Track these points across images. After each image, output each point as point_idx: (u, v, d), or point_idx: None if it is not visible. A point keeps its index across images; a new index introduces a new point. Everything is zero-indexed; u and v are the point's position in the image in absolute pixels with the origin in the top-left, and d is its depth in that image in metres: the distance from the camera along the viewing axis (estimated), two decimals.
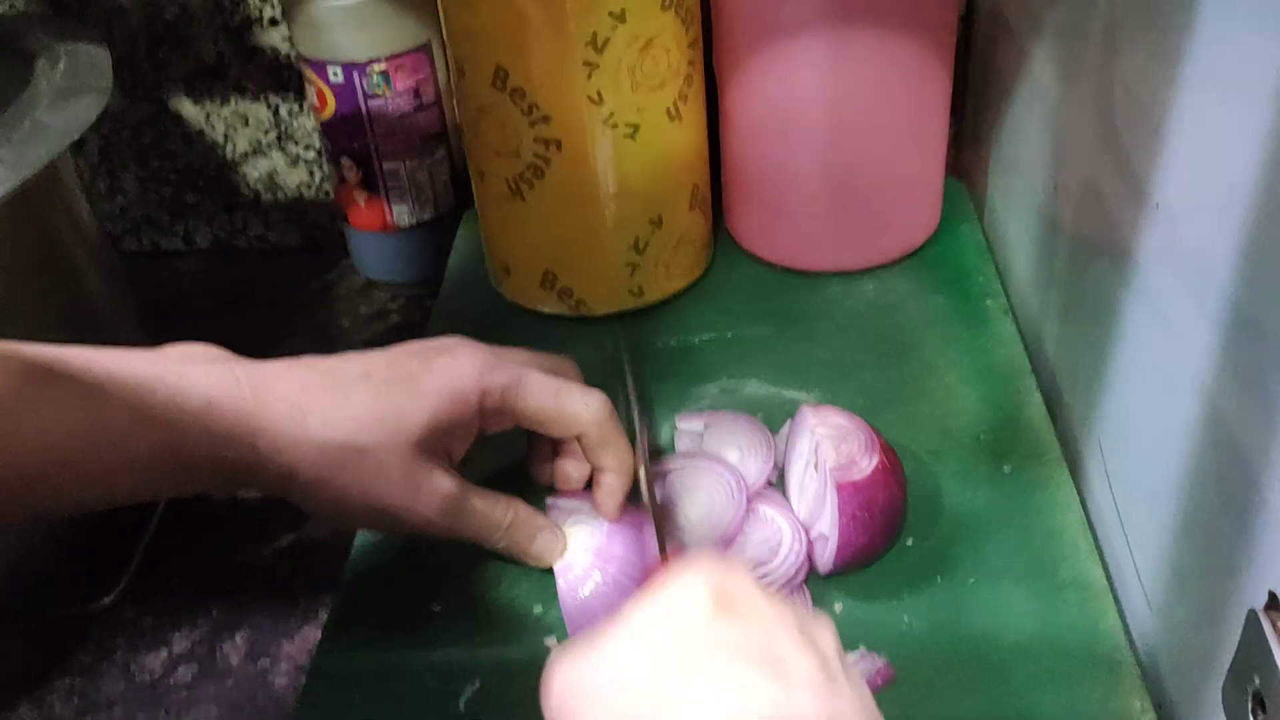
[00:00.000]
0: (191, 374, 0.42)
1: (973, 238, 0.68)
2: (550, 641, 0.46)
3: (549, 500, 0.50)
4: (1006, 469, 0.52)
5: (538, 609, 0.48)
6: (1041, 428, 0.54)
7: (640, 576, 0.47)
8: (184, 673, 0.55)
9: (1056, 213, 0.57)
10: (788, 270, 0.67)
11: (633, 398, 0.52)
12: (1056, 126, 0.58)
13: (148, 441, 0.40)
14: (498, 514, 0.47)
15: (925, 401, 0.56)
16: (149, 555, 0.59)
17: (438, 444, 0.45)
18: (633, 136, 0.58)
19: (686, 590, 0.31)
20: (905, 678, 0.43)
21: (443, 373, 0.45)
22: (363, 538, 0.53)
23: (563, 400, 0.47)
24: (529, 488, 0.51)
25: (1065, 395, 0.56)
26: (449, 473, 0.45)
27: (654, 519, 0.45)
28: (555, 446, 0.51)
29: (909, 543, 0.49)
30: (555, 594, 0.48)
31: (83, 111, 0.50)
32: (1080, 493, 0.51)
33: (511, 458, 0.53)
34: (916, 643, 0.45)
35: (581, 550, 0.47)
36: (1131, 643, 0.44)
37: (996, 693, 0.42)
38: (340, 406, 0.43)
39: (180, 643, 0.56)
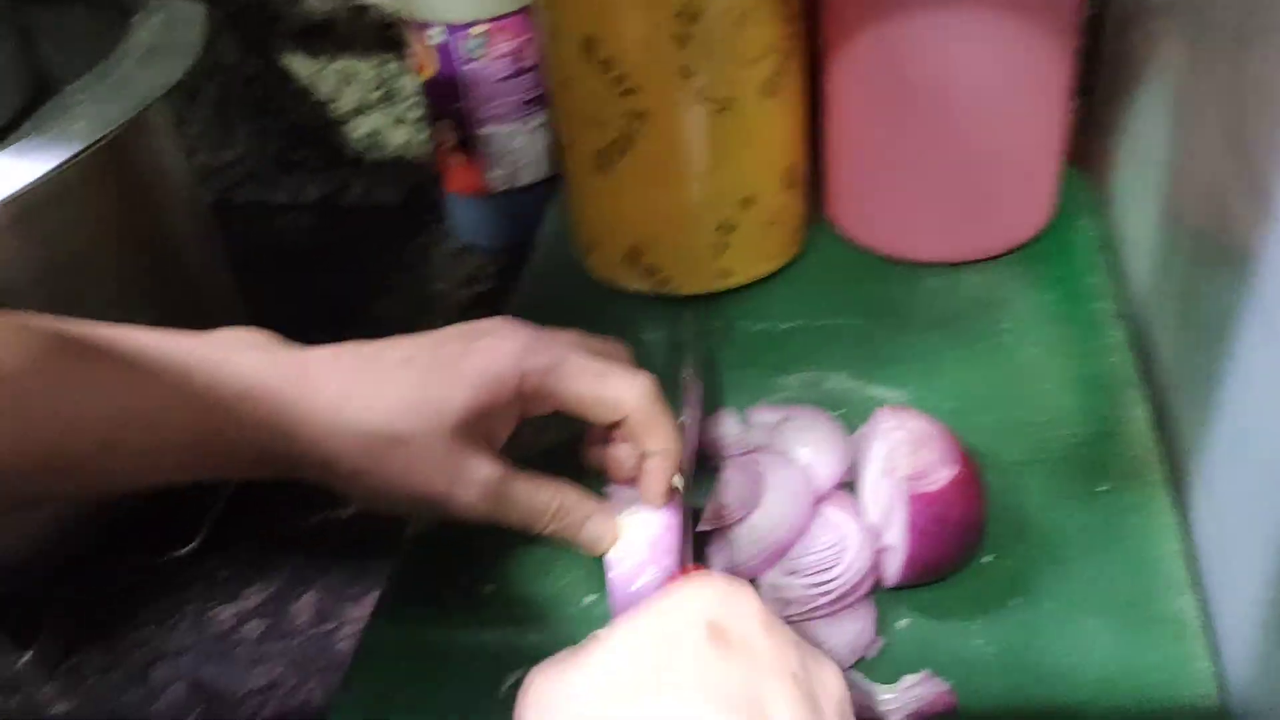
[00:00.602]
0: (234, 359, 0.42)
1: (1089, 234, 0.64)
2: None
3: (608, 489, 0.49)
4: (1102, 488, 0.48)
5: (589, 599, 0.47)
6: (1145, 445, 0.50)
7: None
8: (253, 628, 0.55)
9: (1179, 214, 0.53)
10: (885, 259, 0.63)
11: (689, 394, 0.50)
12: (1183, 122, 0.53)
13: (187, 425, 0.40)
14: (543, 499, 0.46)
15: (1020, 408, 0.53)
16: (229, 509, 0.60)
17: (478, 428, 0.44)
18: (725, 111, 0.56)
19: (682, 616, 0.29)
20: (968, 707, 0.41)
21: (482, 355, 0.44)
22: None
23: (604, 384, 0.46)
24: (586, 474, 0.49)
25: (1175, 412, 0.52)
26: (490, 458, 0.44)
27: (684, 524, 0.43)
28: (606, 431, 0.49)
29: (987, 560, 0.46)
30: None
31: (170, 69, 0.51)
32: (1181, 520, 0.47)
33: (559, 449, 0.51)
34: (984, 669, 0.42)
35: (637, 542, 0.46)
36: (1224, 690, 0.41)
37: None
38: (379, 393, 0.42)
39: (251, 598, 0.57)
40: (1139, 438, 0.50)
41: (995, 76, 0.57)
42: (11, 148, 0.47)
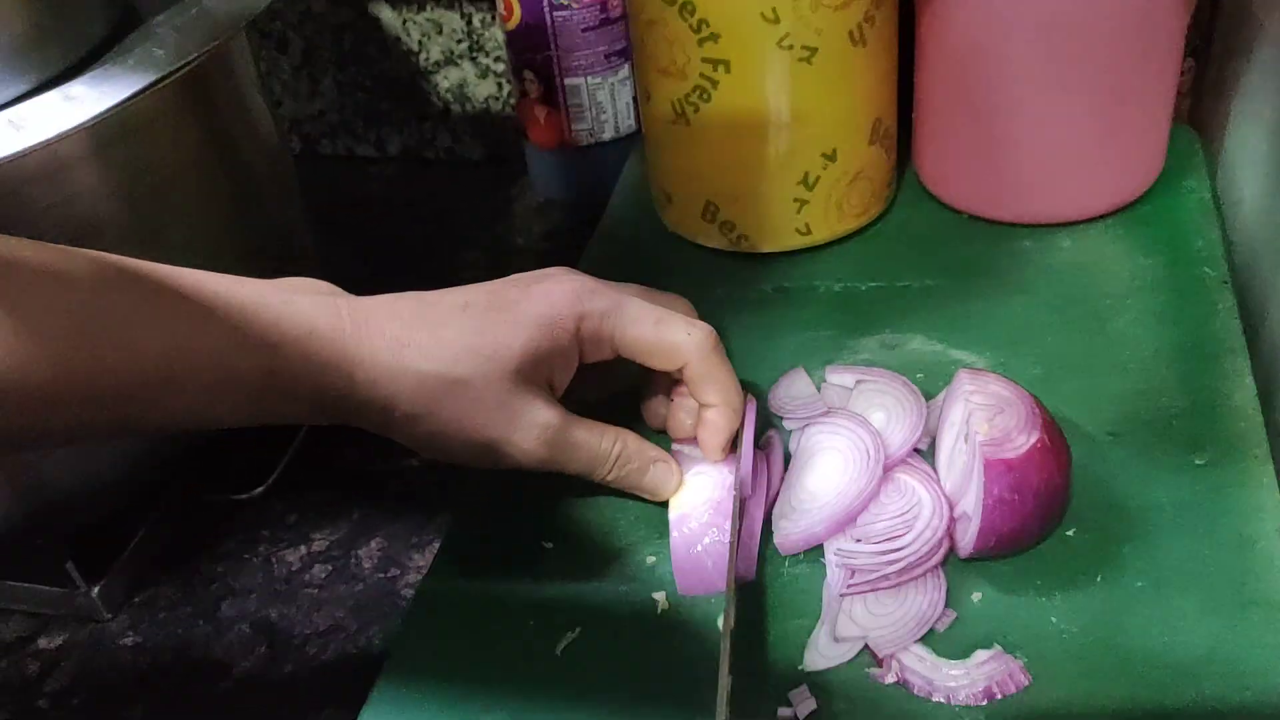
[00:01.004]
0: (296, 302, 0.42)
1: (1197, 196, 0.60)
2: (659, 597, 0.44)
3: (674, 448, 0.48)
4: (1199, 461, 0.45)
5: (651, 559, 0.45)
6: (1249, 417, 0.47)
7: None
8: (319, 571, 0.56)
9: None
10: (975, 218, 0.61)
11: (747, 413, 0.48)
12: None
13: (247, 364, 0.40)
14: (604, 445, 0.45)
15: (1113, 375, 0.50)
16: (301, 453, 0.60)
17: (537, 373, 0.43)
18: (809, 60, 0.54)
19: None
20: (1041, 685, 0.38)
21: (540, 299, 0.43)
22: None
23: (664, 329, 0.45)
24: (646, 434, 0.48)
25: None
26: (550, 403, 0.43)
27: (730, 541, 0.41)
28: (669, 389, 0.48)
29: (1070, 533, 0.43)
30: (669, 545, 0.45)
31: (251, 2, 0.50)
32: None
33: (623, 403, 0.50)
34: (1061, 647, 0.40)
35: (701, 503, 0.44)
36: None
37: (1147, 716, 0.37)
38: (438, 337, 0.42)
39: (319, 542, 0.57)
40: (1241, 410, 0.47)
41: (1105, 24, 0.53)
42: (91, 74, 0.47)
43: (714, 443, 0.45)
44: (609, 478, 0.45)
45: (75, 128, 0.45)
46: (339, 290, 0.45)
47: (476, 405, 0.42)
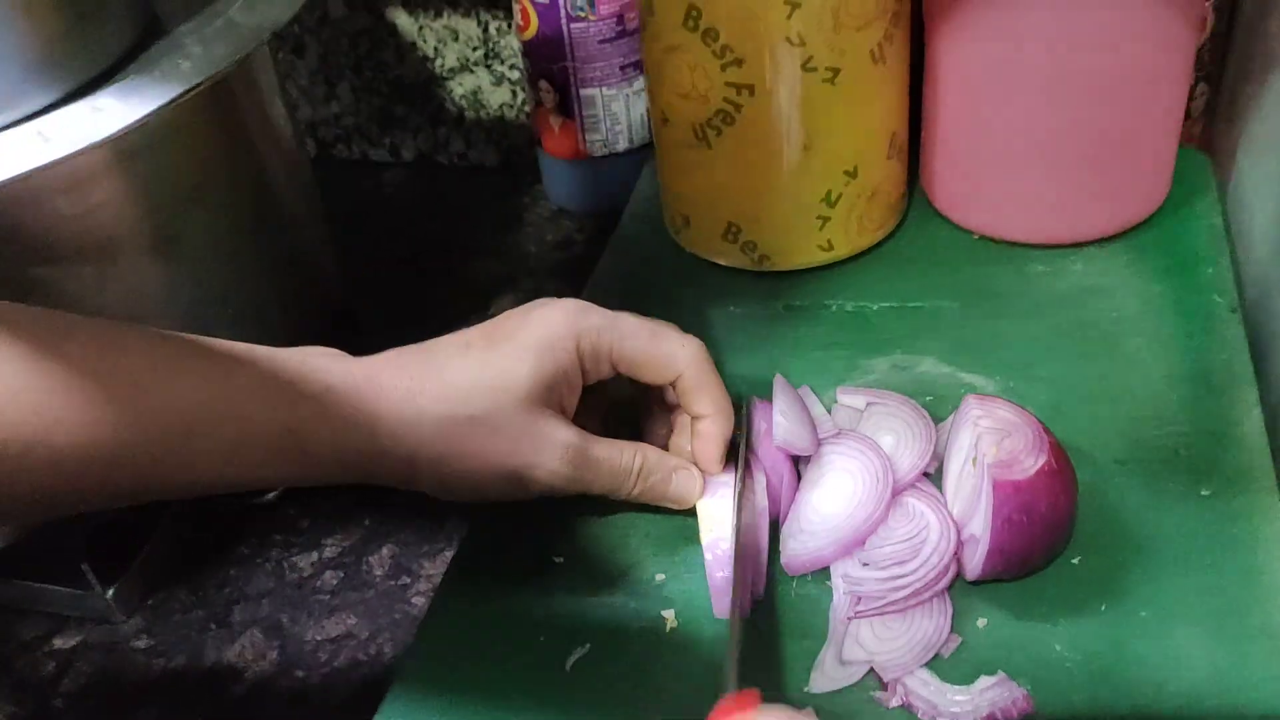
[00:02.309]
0: (312, 362, 0.43)
1: (1208, 222, 0.60)
2: (668, 615, 0.44)
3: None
4: (1205, 491, 0.46)
5: (660, 577, 0.46)
6: (1256, 449, 0.47)
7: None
8: (330, 578, 0.56)
9: None
10: (985, 239, 0.61)
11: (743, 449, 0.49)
12: None
13: (270, 421, 0.41)
14: (625, 459, 0.45)
15: (1121, 402, 0.50)
16: None
17: (548, 397, 0.44)
18: (833, 81, 0.54)
19: None
20: (1045, 714, 0.39)
21: (538, 324, 0.45)
22: None
23: (658, 342, 0.46)
24: None
25: None
26: (567, 424, 0.44)
27: (731, 630, 0.40)
28: (669, 422, 0.49)
29: (1075, 561, 0.44)
30: (680, 564, 0.46)
31: (277, 13, 0.51)
32: None
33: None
34: (1065, 676, 0.40)
35: (725, 525, 0.45)
36: None
37: None
38: (446, 380, 0.43)
39: (331, 549, 0.58)
40: (1250, 441, 0.48)
41: (1115, 47, 0.54)
42: (116, 86, 0.48)
43: (711, 454, 0.46)
44: (634, 492, 0.46)
45: (104, 139, 0.46)
46: (345, 354, 0.46)
47: (496, 437, 0.43)
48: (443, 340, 0.46)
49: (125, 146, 0.49)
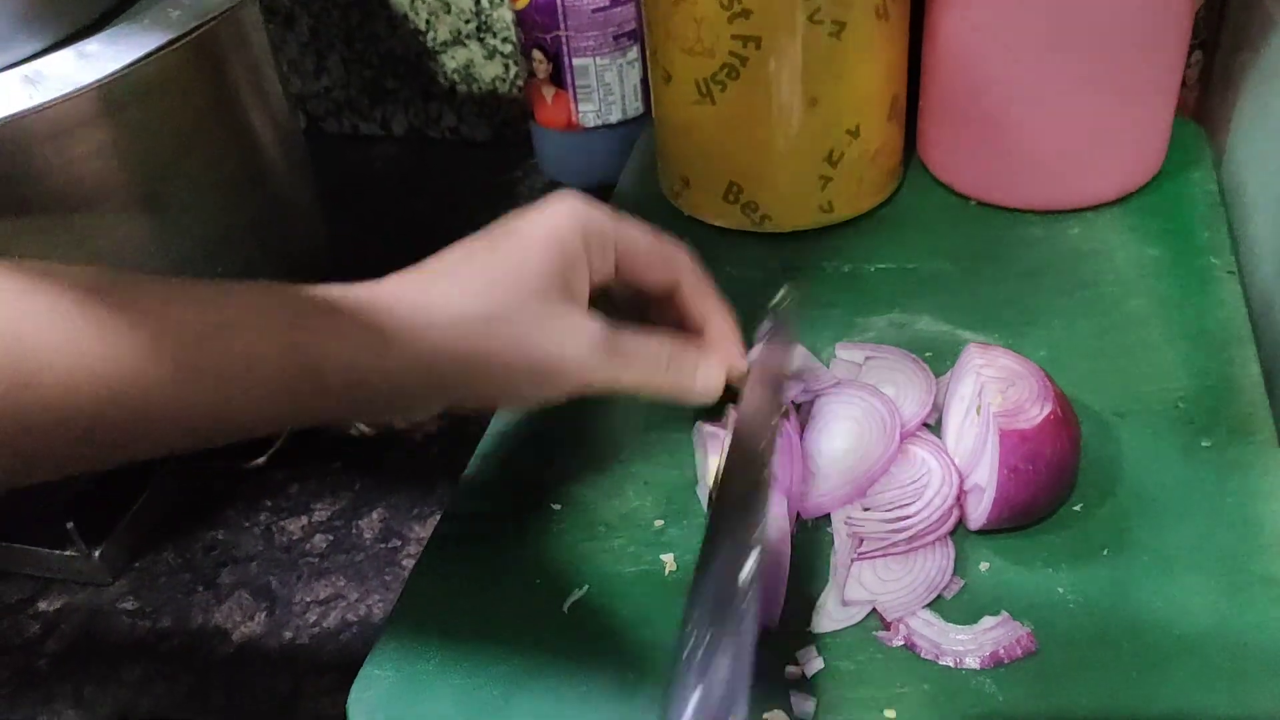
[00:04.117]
0: (312, 289, 0.40)
1: (1203, 188, 0.60)
2: (668, 559, 0.44)
3: (698, 425, 0.47)
4: (1205, 443, 0.46)
5: (659, 523, 0.46)
6: (1255, 402, 0.47)
7: (796, 499, 0.44)
8: (319, 541, 0.55)
9: None
10: (982, 205, 0.61)
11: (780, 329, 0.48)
12: None
13: (272, 345, 0.37)
14: (654, 346, 0.43)
15: (1119, 358, 0.50)
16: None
17: (564, 287, 0.42)
18: (838, 35, 0.54)
19: None
20: (1049, 654, 0.39)
21: (541, 219, 0.42)
22: (495, 423, 0.51)
23: (660, 240, 0.45)
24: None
25: None
26: (589, 313, 0.42)
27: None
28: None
29: (1077, 508, 0.44)
30: (678, 510, 0.46)
31: None
32: None
33: None
34: (1068, 617, 0.40)
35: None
36: None
37: (1152, 684, 0.37)
38: (457, 286, 0.41)
39: (320, 512, 0.57)
40: (1248, 395, 0.47)
41: (1112, 13, 0.54)
42: (106, 33, 0.47)
43: (734, 350, 0.45)
44: (665, 381, 0.43)
45: (91, 84, 0.45)
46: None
47: (518, 332, 0.40)
48: (441, 253, 0.43)
49: (113, 96, 0.49)
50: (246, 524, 0.57)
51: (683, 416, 0.48)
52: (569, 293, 0.42)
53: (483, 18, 0.79)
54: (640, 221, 0.45)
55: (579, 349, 0.41)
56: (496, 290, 0.41)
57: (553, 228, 0.42)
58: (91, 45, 0.47)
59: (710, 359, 0.45)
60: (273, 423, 0.39)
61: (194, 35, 0.48)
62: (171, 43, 0.47)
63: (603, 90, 0.72)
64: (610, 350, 0.42)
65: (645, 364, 0.43)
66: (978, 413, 0.43)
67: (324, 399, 0.39)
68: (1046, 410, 0.41)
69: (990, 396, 0.42)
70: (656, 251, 0.45)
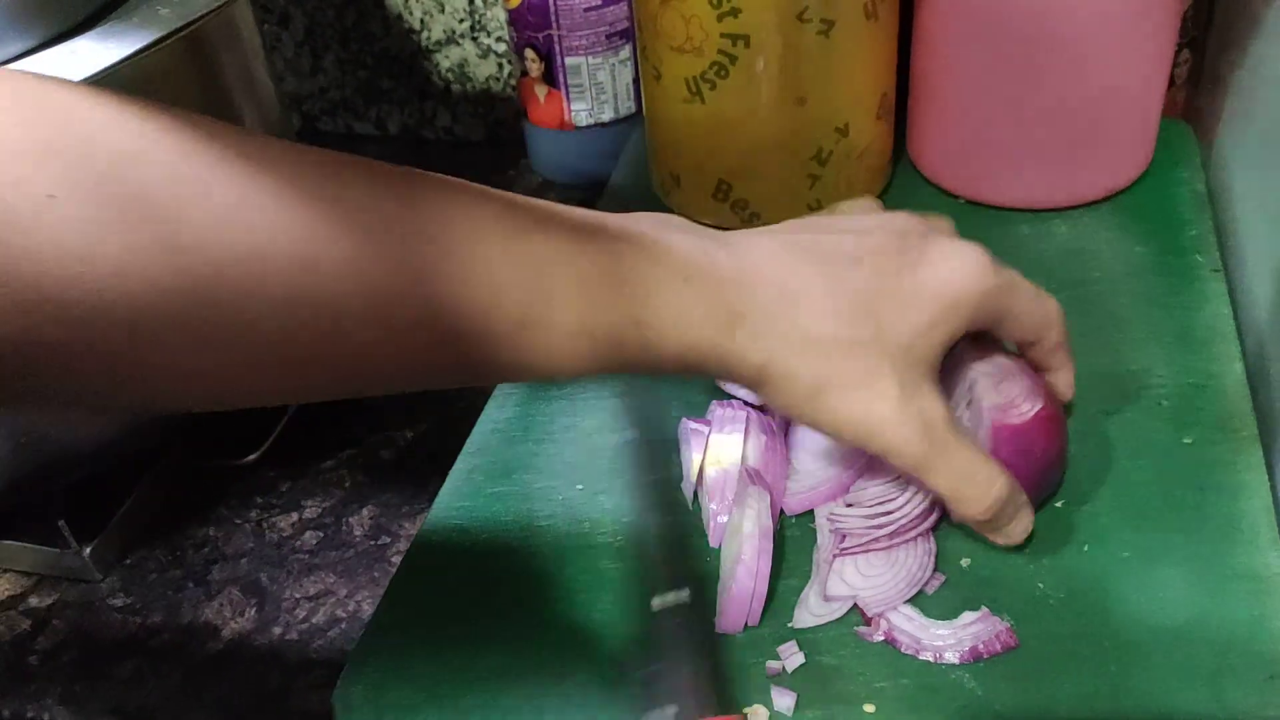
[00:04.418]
0: (668, 241, 0.36)
1: (1190, 187, 0.60)
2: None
3: (682, 422, 0.48)
4: (1187, 440, 0.46)
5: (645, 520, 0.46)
6: (1237, 400, 0.47)
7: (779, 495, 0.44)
8: (310, 538, 0.56)
9: None
10: (971, 203, 0.61)
11: None
12: None
13: (614, 314, 0.34)
14: (984, 474, 0.39)
15: (1103, 355, 0.50)
16: (296, 421, 0.60)
17: (931, 355, 0.38)
18: (826, 34, 0.54)
19: None
20: (1029, 648, 0.39)
21: (944, 268, 0.39)
22: (484, 421, 0.52)
23: (1044, 300, 0.41)
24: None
25: (1273, 370, 0.49)
26: (940, 395, 0.39)
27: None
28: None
29: (1059, 504, 0.44)
30: (665, 507, 0.46)
31: None
32: (1270, 479, 0.44)
33: None
34: (1049, 612, 0.40)
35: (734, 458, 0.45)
36: None
37: (1131, 678, 0.38)
38: (832, 294, 0.37)
39: (311, 509, 0.57)
40: (1231, 393, 0.48)
41: (1101, 12, 0.54)
42: (95, 31, 0.47)
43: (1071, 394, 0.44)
44: (969, 510, 0.39)
45: (80, 82, 0.45)
46: (696, 226, 0.39)
47: (867, 377, 0.37)
48: (828, 237, 0.39)
49: None
50: (237, 521, 0.57)
51: (667, 416, 0.49)
52: (932, 361, 0.39)
53: (477, 17, 0.80)
54: (1018, 274, 0.42)
55: (907, 424, 0.38)
56: (871, 326, 0.37)
57: (956, 294, 0.39)
58: (81, 43, 0.47)
59: (1030, 512, 0.41)
60: (583, 373, 0.36)
61: (184, 33, 0.48)
62: (161, 40, 0.47)
63: (595, 89, 0.72)
64: (939, 445, 0.38)
65: (963, 477, 0.39)
66: (967, 407, 0.43)
67: (648, 364, 0.36)
68: (1039, 406, 0.41)
69: (983, 390, 0.42)
70: (1039, 315, 0.42)
